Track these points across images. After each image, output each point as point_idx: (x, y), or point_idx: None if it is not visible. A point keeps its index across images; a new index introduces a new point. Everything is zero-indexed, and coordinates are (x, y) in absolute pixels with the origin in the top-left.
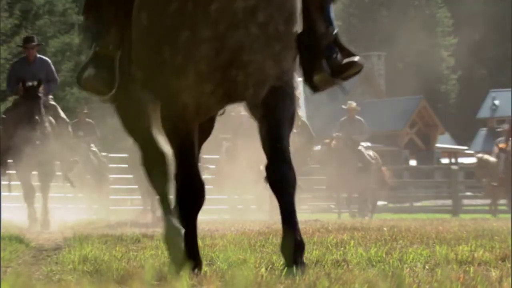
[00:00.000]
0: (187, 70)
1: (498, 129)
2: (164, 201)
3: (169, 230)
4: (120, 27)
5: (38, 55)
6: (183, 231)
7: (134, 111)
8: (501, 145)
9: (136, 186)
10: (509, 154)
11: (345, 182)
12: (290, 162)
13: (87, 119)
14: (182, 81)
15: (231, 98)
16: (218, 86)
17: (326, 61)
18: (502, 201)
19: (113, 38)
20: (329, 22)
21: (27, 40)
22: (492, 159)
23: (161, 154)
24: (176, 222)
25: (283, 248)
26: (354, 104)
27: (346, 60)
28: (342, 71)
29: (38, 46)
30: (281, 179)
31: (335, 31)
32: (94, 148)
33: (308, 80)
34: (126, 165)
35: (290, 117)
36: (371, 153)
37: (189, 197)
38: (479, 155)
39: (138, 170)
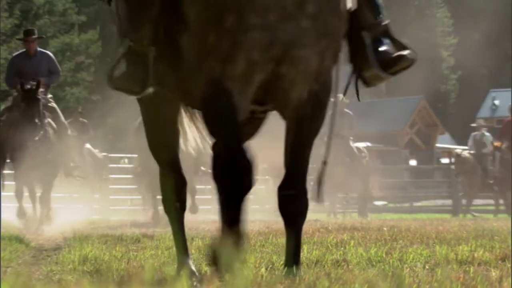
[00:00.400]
0: (235, 56)
1: (473, 125)
2: (178, 240)
3: (179, 269)
4: (155, 20)
5: (39, 49)
6: (193, 269)
7: (163, 129)
8: (496, 144)
9: (136, 186)
10: (504, 152)
11: (334, 178)
12: (305, 191)
13: (81, 119)
14: (228, 65)
15: (270, 95)
16: (263, 79)
17: (375, 55)
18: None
19: (147, 32)
20: (377, 13)
21: (28, 33)
22: (468, 155)
23: (182, 183)
24: (189, 264)
25: (286, 273)
26: (342, 97)
27: (395, 54)
28: (391, 66)
29: (38, 39)
30: (293, 210)
31: (385, 22)
32: (89, 146)
33: (359, 75)
34: (125, 165)
35: (317, 130)
36: (361, 147)
37: (234, 177)
38: (458, 151)
39: (140, 170)
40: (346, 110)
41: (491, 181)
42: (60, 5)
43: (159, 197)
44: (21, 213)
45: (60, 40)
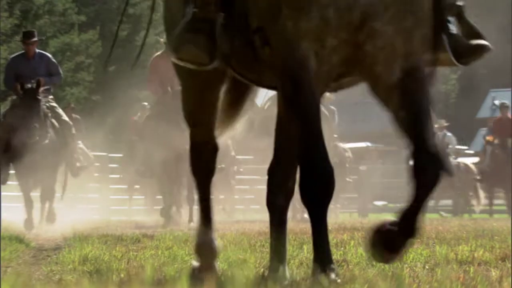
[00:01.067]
0: (311, 14)
1: (443, 125)
2: (202, 205)
3: (199, 241)
4: None
5: (38, 50)
6: (215, 244)
7: (202, 92)
8: (489, 138)
9: (138, 186)
10: (495, 147)
11: None
12: (437, 151)
13: (73, 115)
14: (304, 24)
15: (353, 70)
16: (343, 47)
17: (448, 39)
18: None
19: None
20: None
21: (27, 35)
22: None
23: (213, 148)
24: (210, 234)
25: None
26: (327, 93)
27: (474, 43)
28: (467, 55)
29: (37, 42)
30: (431, 170)
31: (461, 3)
32: (81, 145)
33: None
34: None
35: (425, 100)
36: (345, 147)
37: (315, 187)
38: None
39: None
40: (331, 106)
41: (479, 177)
42: (60, 5)
43: (162, 194)
44: (29, 224)
45: (60, 40)
